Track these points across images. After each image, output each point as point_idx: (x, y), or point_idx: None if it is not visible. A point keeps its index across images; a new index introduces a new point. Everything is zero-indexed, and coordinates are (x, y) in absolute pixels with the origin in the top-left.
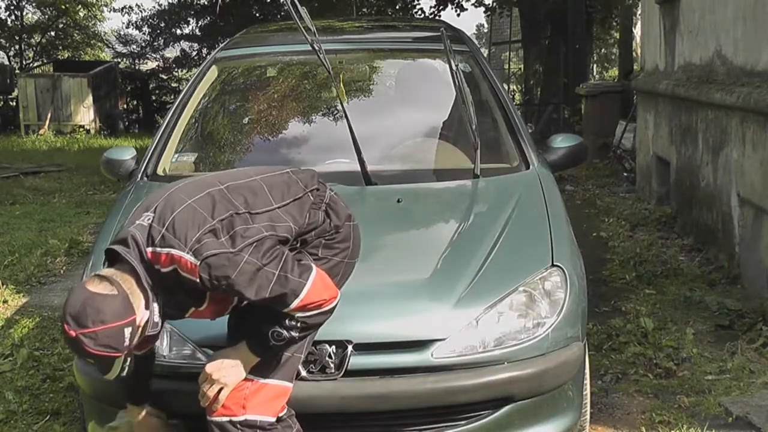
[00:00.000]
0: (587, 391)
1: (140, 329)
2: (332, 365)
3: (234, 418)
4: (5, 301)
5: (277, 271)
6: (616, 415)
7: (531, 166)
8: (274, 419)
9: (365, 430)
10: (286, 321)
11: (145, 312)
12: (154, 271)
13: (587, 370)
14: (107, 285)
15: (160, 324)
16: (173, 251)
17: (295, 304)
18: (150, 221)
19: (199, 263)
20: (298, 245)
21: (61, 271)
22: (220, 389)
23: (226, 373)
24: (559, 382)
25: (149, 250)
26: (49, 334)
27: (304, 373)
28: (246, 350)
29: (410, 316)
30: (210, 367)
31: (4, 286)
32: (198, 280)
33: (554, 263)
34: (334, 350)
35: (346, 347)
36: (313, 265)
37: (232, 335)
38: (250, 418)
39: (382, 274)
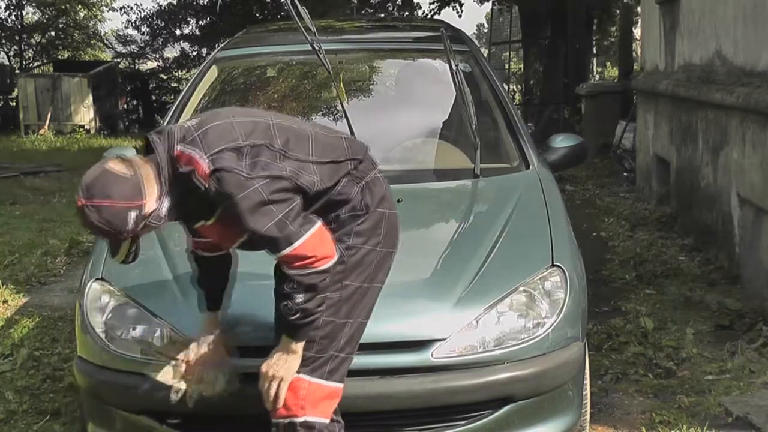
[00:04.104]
0: (587, 391)
1: (146, 218)
2: None
3: (295, 419)
4: (5, 301)
5: (281, 213)
6: (616, 415)
7: (531, 166)
8: (328, 421)
9: (365, 430)
10: (286, 287)
11: (155, 203)
12: (175, 168)
13: (587, 370)
14: (125, 167)
15: (164, 220)
16: (194, 153)
17: (286, 251)
18: (192, 124)
19: (211, 172)
20: (333, 225)
21: (61, 271)
22: (279, 385)
23: (278, 366)
24: (559, 382)
25: (178, 147)
26: (49, 334)
27: None
28: (286, 339)
29: (410, 316)
30: (264, 366)
31: (4, 286)
32: (205, 189)
33: (554, 263)
34: None
35: None
36: (318, 221)
37: (276, 331)
38: (310, 420)
39: None
